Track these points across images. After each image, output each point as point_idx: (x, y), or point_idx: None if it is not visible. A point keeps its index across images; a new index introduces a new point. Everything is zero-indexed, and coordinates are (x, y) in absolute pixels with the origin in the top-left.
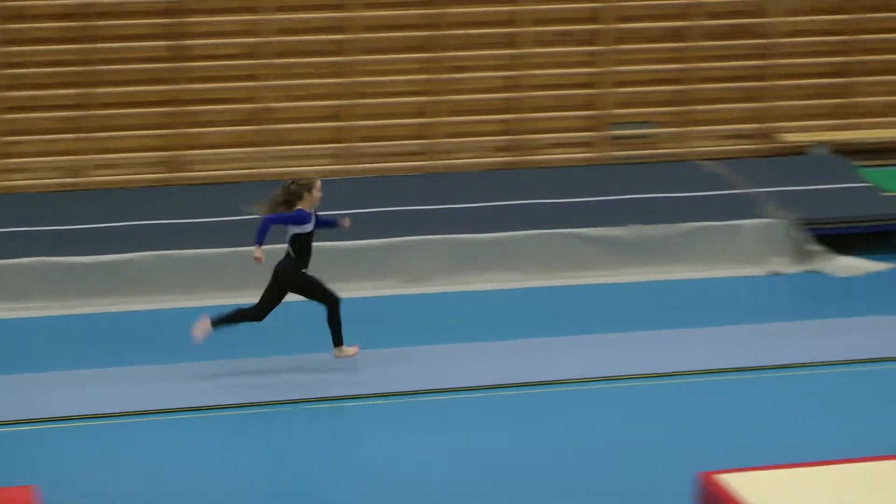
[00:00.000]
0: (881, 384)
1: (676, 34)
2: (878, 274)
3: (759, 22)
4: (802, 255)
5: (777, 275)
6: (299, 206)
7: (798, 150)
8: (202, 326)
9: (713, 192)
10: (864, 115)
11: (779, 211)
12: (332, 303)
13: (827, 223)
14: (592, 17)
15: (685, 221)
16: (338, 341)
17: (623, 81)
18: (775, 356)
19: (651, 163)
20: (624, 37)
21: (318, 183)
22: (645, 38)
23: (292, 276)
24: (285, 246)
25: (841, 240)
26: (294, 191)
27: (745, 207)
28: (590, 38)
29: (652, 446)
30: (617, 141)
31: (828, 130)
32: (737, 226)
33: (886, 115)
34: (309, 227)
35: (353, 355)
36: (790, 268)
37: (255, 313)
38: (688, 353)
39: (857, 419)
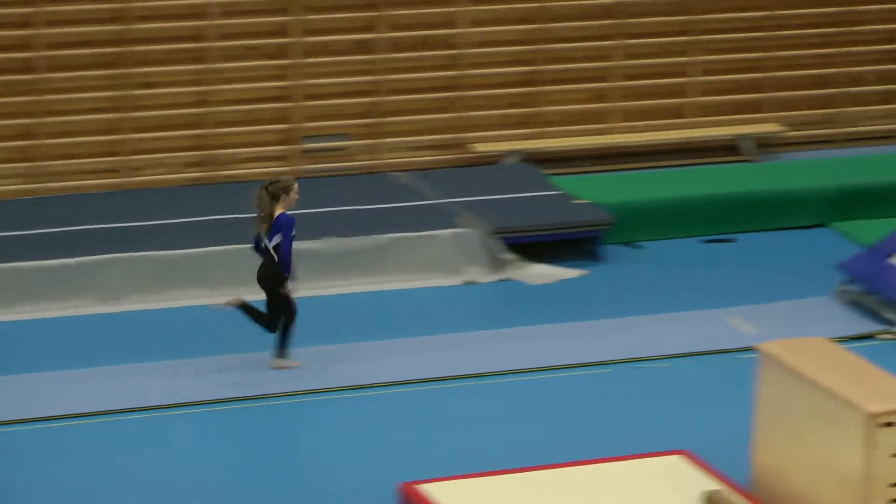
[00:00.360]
0: (576, 390)
1: (365, 46)
2: (571, 281)
3: (447, 33)
4: (496, 264)
5: (472, 284)
6: (278, 209)
7: (490, 160)
8: (230, 300)
9: (408, 203)
10: (553, 123)
11: (473, 220)
12: (291, 316)
13: (520, 231)
14: (281, 31)
15: (381, 233)
16: (281, 353)
17: (314, 95)
18: (472, 365)
19: (345, 175)
20: (313, 50)
21: (296, 185)
22: (334, 50)
23: (273, 279)
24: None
25: (534, 247)
26: (272, 192)
27: (439, 218)
28: (279, 52)
29: (355, 458)
30: (310, 154)
31: (518, 139)
32: (432, 236)
33: (573, 124)
34: (294, 231)
35: (291, 366)
36: (485, 277)
37: (289, 318)
38: (386, 364)
39: (554, 425)
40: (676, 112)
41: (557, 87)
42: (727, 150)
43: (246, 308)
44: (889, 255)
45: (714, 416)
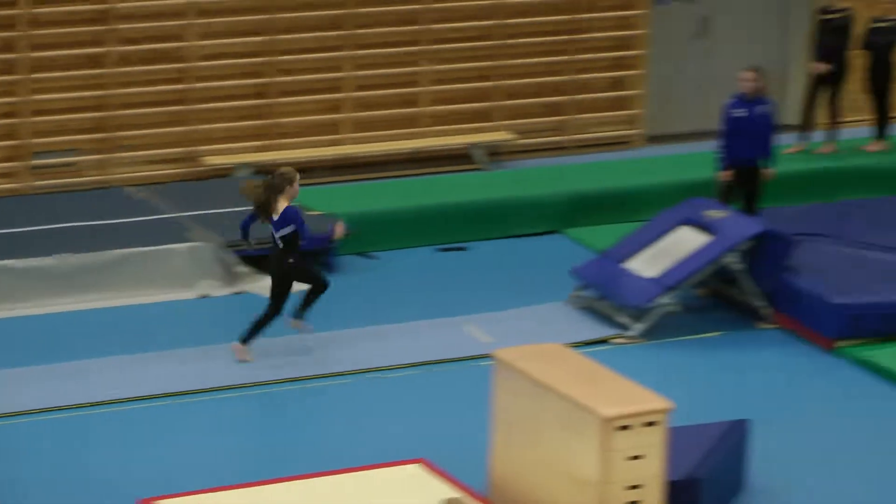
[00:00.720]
0: (315, 400)
1: (94, 61)
2: (302, 293)
3: (177, 46)
4: (231, 277)
5: (207, 297)
6: (281, 200)
7: (223, 173)
8: (240, 351)
9: (141, 217)
10: (286, 135)
11: (206, 234)
12: (321, 285)
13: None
14: (7, 47)
15: (115, 248)
16: (301, 314)
17: (42, 110)
18: (210, 378)
19: (77, 191)
20: (40, 65)
21: (298, 176)
22: (62, 65)
23: (289, 267)
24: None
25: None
26: (276, 184)
27: (173, 232)
28: (5, 68)
29: (96, 474)
30: (39, 170)
31: (251, 152)
32: (165, 250)
33: (306, 135)
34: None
35: (308, 330)
36: (220, 290)
37: (273, 311)
38: (123, 379)
39: (294, 436)
40: (408, 122)
41: (289, 99)
42: (459, 158)
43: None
44: (621, 261)
45: (453, 424)
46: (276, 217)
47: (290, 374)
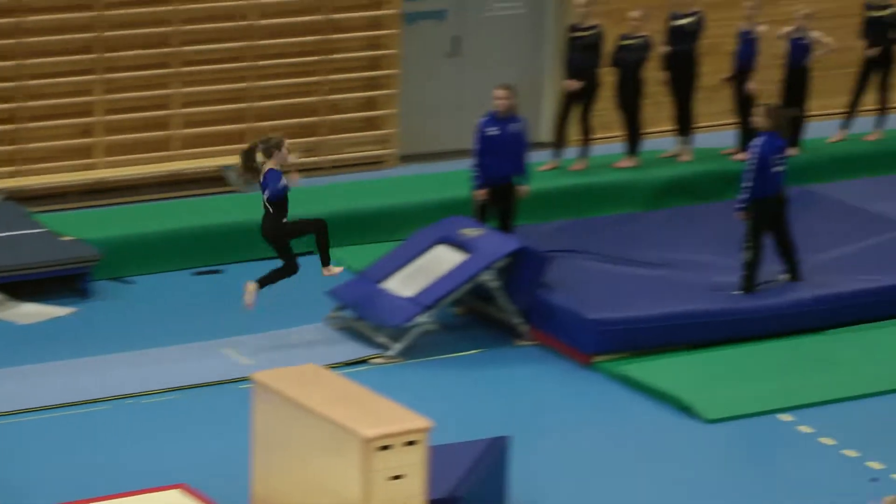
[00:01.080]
0: (73, 428)
1: None
2: (61, 318)
3: None
4: None
5: None
6: (269, 166)
7: None
8: (250, 293)
9: None
10: (36, 160)
11: None
12: (320, 227)
13: (6, 271)
14: None
15: None
16: (325, 262)
17: None
18: None
19: None
20: None
21: (287, 142)
22: None
23: (280, 230)
24: None
25: (22, 286)
26: (265, 150)
27: None
28: None
29: None
30: None
31: (2, 178)
32: None
33: (58, 160)
34: (283, 182)
35: (338, 273)
36: None
37: (290, 268)
38: None
39: (52, 465)
40: (161, 145)
41: (40, 124)
42: (214, 181)
43: (265, 282)
44: (378, 280)
45: (214, 448)
46: (262, 180)
47: (41, 403)
